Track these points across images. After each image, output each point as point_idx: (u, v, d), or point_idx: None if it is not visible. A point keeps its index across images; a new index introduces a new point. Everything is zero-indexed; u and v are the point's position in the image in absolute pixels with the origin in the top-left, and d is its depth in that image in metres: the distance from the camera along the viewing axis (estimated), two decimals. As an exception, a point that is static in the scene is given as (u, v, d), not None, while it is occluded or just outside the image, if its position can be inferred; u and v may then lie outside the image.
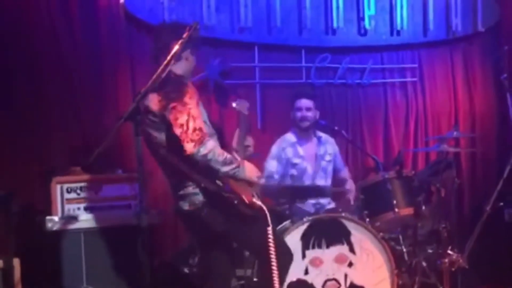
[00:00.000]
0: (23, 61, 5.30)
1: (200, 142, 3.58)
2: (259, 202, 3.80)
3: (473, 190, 6.93)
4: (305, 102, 5.39)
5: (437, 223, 5.18)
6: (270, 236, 3.73)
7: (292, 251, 4.11)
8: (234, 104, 4.06)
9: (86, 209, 4.54)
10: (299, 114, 5.39)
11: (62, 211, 4.47)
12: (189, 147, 3.57)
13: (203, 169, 3.66)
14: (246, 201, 3.73)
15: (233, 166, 3.70)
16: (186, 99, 3.62)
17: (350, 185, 5.53)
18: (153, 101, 3.63)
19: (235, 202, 3.71)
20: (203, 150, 3.57)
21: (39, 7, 5.39)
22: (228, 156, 3.71)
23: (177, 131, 3.59)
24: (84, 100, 5.53)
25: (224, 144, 3.91)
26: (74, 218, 4.46)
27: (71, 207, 4.50)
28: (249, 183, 3.83)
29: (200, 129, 3.60)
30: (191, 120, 3.59)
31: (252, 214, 3.77)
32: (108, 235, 4.49)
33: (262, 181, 4.24)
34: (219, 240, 3.98)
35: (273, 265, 3.73)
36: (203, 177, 3.71)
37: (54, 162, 5.13)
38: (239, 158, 3.84)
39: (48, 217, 4.38)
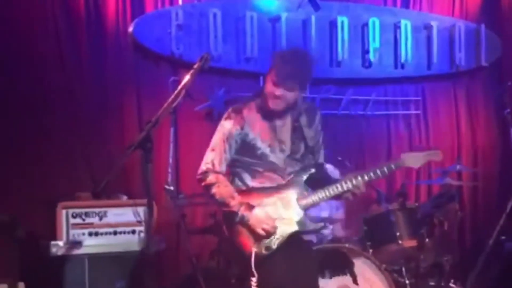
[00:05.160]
0: (29, 88, 5.35)
1: (202, 174, 3.59)
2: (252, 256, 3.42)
3: (474, 224, 6.95)
4: None
5: (440, 255, 5.19)
6: None
7: None
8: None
9: (90, 234, 4.55)
10: None
11: (67, 236, 4.48)
12: (198, 172, 3.63)
13: None
14: (243, 249, 3.50)
15: (230, 208, 3.51)
16: (220, 126, 3.67)
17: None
18: None
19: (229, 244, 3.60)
20: (202, 182, 3.59)
21: (48, 33, 5.46)
22: (226, 198, 3.52)
23: None
24: (89, 128, 5.58)
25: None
26: (78, 243, 4.47)
27: (76, 232, 4.51)
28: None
29: (211, 163, 3.58)
30: (209, 149, 3.64)
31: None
32: (112, 261, 4.50)
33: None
34: None
35: None
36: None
37: (59, 189, 5.16)
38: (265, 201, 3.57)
39: (52, 242, 4.39)
